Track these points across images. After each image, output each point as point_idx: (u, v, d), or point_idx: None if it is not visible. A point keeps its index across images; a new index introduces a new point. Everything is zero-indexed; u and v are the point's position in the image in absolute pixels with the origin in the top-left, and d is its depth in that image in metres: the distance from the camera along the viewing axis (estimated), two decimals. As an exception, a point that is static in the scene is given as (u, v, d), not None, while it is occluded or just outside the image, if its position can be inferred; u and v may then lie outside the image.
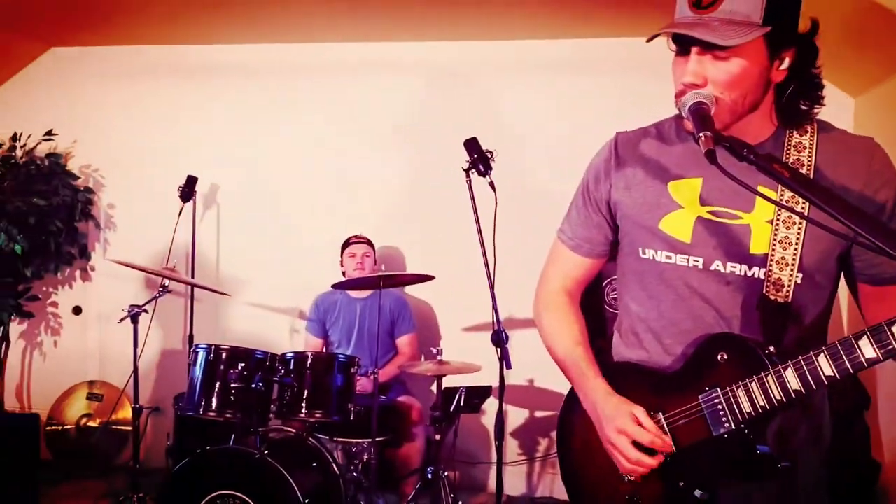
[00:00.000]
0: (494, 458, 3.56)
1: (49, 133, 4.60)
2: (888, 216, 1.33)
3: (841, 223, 1.08)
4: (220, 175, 4.68)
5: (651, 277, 1.50)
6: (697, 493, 1.38)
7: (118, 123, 4.80)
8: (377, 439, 3.28)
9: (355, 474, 3.37)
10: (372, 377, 3.31)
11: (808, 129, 1.40)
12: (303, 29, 4.36)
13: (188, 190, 4.32)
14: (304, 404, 3.14)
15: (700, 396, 1.38)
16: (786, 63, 1.32)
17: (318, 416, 3.15)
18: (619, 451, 1.42)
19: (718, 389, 1.35)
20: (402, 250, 4.57)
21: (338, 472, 3.19)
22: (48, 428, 4.58)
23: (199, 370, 3.11)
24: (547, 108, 4.39)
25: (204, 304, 4.56)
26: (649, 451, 1.40)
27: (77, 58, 4.82)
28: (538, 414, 4.39)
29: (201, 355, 3.12)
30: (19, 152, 4.60)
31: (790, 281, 1.35)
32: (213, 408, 3.06)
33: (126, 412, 4.57)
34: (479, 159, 3.13)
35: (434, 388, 3.50)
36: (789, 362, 1.25)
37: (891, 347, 1.14)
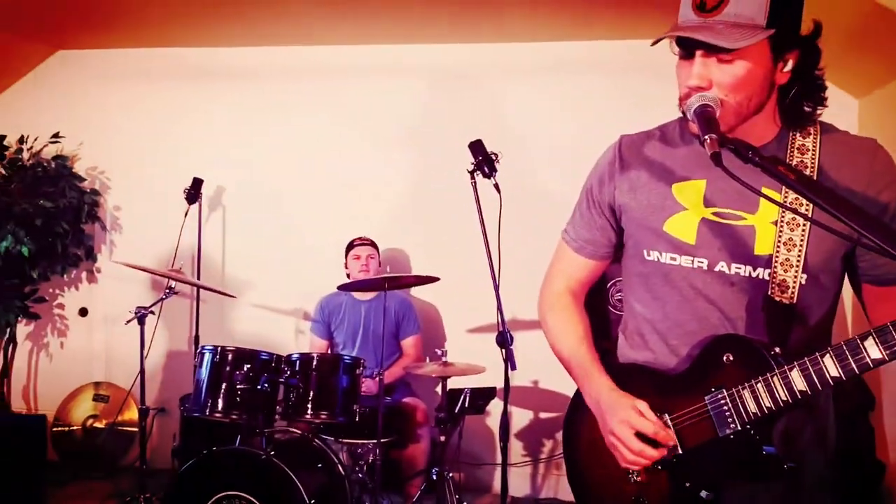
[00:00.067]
0: (499, 460, 3.58)
1: (55, 135, 4.63)
2: (891, 217, 1.34)
3: (845, 225, 1.09)
4: (226, 177, 4.69)
5: (656, 279, 1.51)
6: (703, 493, 1.38)
7: (124, 126, 4.82)
8: (382, 440, 3.29)
9: (360, 475, 3.38)
10: (377, 378, 3.32)
11: (811, 130, 1.40)
12: (308, 32, 4.38)
13: (194, 192, 4.34)
14: (309, 405, 3.14)
15: (706, 397, 1.39)
16: (789, 65, 1.33)
17: (323, 417, 3.16)
18: (621, 441, 1.43)
19: (724, 390, 1.36)
20: (407, 252, 4.58)
21: (343, 472, 3.20)
22: (54, 429, 4.60)
23: (205, 371, 3.12)
24: (551, 110, 4.39)
25: (209, 306, 4.58)
26: (652, 444, 1.41)
27: (83, 60, 4.84)
28: (542, 415, 4.40)
29: (207, 356, 3.14)
30: (26, 155, 4.62)
31: (795, 282, 1.36)
32: (220, 409, 3.08)
33: (132, 413, 4.59)
34: (483, 161, 3.14)
35: (439, 389, 3.50)
36: (795, 363, 1.26)
37: (896, 348, 1.15)
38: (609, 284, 3.30)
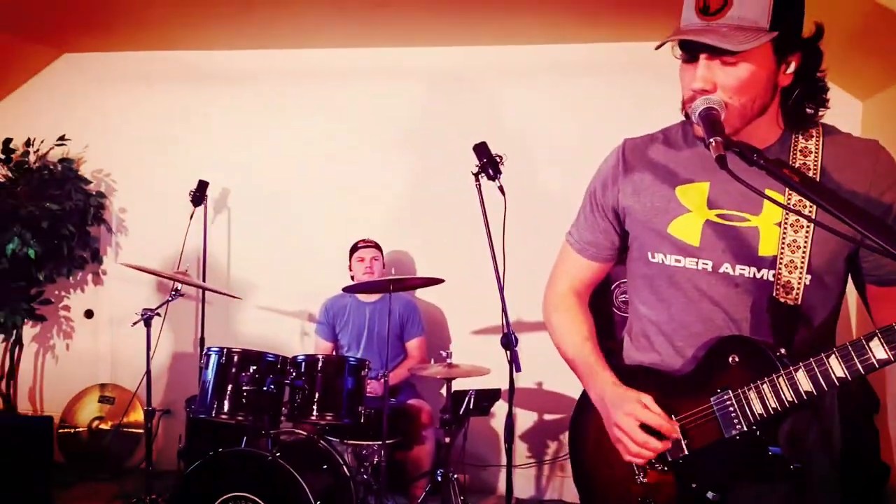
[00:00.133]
0: (504, 461, 3.58)
1: (61, 138, 4.65)
2: (894, 218, 1.35)
3: (850, 227, 1.09)
4: (231, 179, 4.71)
5: (661, 281, 1.51)
6: (710, 494, 1.39)
7: (129, 128, 4.84)
8: (387, 442, 3.30)
9: (365, 476, 3.39)
10: (382, 380, 3.33)
11: (813, 133, 1.41)
12: (313, 35, 4.39)
13: (199, 194, 4.36)
14: (315, 407, 3.16)
15: (712, 398, 1.39)
16: (792, 67, 1.34)
17: (328, 418, 3.18)
18: (625, 433, 1.43)
19: (730, 391, 1.36)
20: (412, 254, 4.59)
21: (348, 474, 3.21)
22: (60, 430, 4.61)
23: (211, 373, 3.13)
24: (551, 112, 4.40)
25: (214, 308, 4.59)
26: (657, 437, 1.41)
27: (89, 64, 4.86)
28: (547, 417, 4.40)
29: (213, 358, 3.15)
30: (32, 157, 4.64)
31: (800, 283, 1.37)
32: (226, 410, 3.09)
33: (137, 415, 4.60)
34: (488, 163, 3.15)
35: (443, 391, 3.51)
36: (800, 364, 1.26)
37: (902, 349, 1.15)
38: (613, 286, 3.30)
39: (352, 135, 4.63)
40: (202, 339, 4.30)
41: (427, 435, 3.74)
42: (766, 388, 1.30)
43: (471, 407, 3.45)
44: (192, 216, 4.36)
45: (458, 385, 3.44)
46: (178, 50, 4.73)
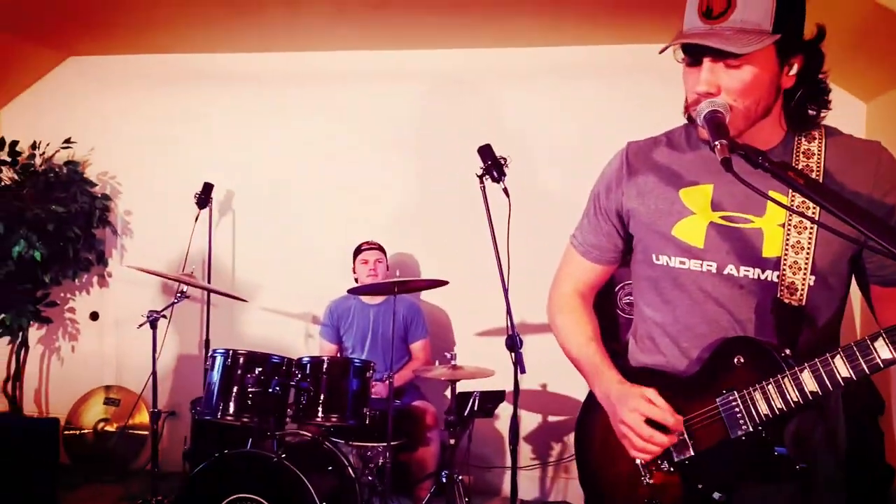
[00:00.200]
0: (508, 463, 3.58)
1: (67, 141, 4.67)
2: None
3: (854, 228, 1.10)
4: (236, 182, 4.73)
5: (666, 283, 1.52)
6: (716, 495, 1.39)
7: (134, 131, 4.86)
8: (392, 443, 3.30)
9: (370, 478, 3.39)
10: (387, 382, 3.34)
11: (816, 134, 1.42)
12: (318, 39, 4.41)
13: (204, 197, 4.37)
14: (320, 408, 3.16)
15: (717, 399, 1.40)
16: (794, 69, 1.35)
17: (333, 420, 3.19)
18: (631, 428, 1.44)
19: (735, 392, 1.37)
20: (416, 256, 4.60)
21: (353, 475, 3.22)
22: (66, 432, 4.63)
23: (216, 374, 3.14)
24: (554, 114, 4.41)
25: (219, 310, 4.60)
26: (663, 432, 1.42)
27: (94, 66, 4.88)
28: (551, 419, 4.40)
29: (219, 360, 3.16)
30: (38, 160, 4.66)
31: (804, 284, 1.37)
32: (231, 412, 3.10)
33: (142, 417, 4.62)
34: (492, 166, 3.16)
35: (448, 392, 3.52)
36: (805, 364, 1.27)
37: (907, 348, 1.16)
38: (617, 288, 3.31)
39: (355, 137, 4.64)
40: (207, 341, 4.31)
41: (432, 436, 3.75)
42: (771, 388, 1.31)
43: (475, 408, 3.46)
44: (196, 218, 4.38)
45: (462, 387, 3.45)
46: (182, 53, 4.75)
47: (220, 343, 3.84)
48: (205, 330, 4.37)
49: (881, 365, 1.18)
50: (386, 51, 4.56)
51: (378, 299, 4.08)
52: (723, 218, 1.44)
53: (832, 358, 1.23)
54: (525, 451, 4.38)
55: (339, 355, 4.12)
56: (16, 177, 4.58)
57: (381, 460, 3.40)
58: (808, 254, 1.37)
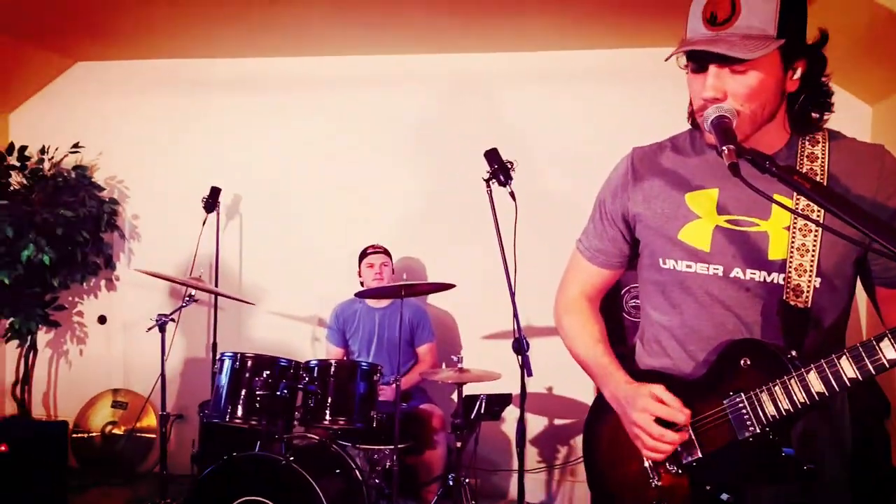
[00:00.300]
0: (515, 466, 3.59)
1: (75, 146, 4.71)
2: None
3: (859, 231, 1.11)
4: (243, 186, 4.75)
5: (672, 287, 1.53)
6: (724, 496, 1.40)
7: (142, 135, 4.89)
8: (399, 446, 3.31)
9: (377, 481, 3.40)
10: (394, 385, 3.35)
11: (819, 138, 1.44)
12: (327, 43, 4.44)
13: (212, 201, 4.40)
14: (327, 411, 3.18)
15: (724, 401, 1.41)
16: (798, 73, 1.37)
17: (341, 423, 3.20)
18: (641, 428, 1.45)
19: (742, 394, 1.38)
20: (423, 260, 4.62)
21: (360, 478, 3.22)
22: (74, 435, 4.65)
23: (224, 378, 3.16)
24: (563, 118, 4.43)
25: (226, 313, 4.62)
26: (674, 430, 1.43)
27: (102, 72, 4.92)
28: (557, 422, 4.41)
29: (227, 363, 3.18)
30: (47, 165, 4.70)
31: (809, 286, 1.38)
32: (239, 415, 3.11)
33: (150, 420, 4.64)
34: (499, 170, 3.17)
35: (455, 395, 3.53)
36: (812, 365, 1.28)
37: (912, 349, 1.17)
38: (623, 291, 3.31)
39: (363, 141, 4.66)
40: (214, 345, 4.33)
41: (439, 439, 3.75)
42: (777, 390, 1.32)
43: (482, 412, 3.47)
44: (204, 222, 4.40)
45: (469, 390, 3.46)
46: (188, 58, 4.78)
47: (228, 346, 3.85)
48: (212, 333, 4.39)
49: (887, 365, 1.19)
50: (397, 55, 4.60)
51: (384, 303, 4.10)
52: (728, 222, 1.45)
53: (838, 359, 1.24)
54: (531, 454, 4.39)
55: (346, 358, 4.13)
56: (25, 181, 4.62)
57: (388, 463, 3.41)
58: (813, 256, 1.38)
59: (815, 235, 1.39)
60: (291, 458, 2.96)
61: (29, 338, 4.69)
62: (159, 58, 4.81)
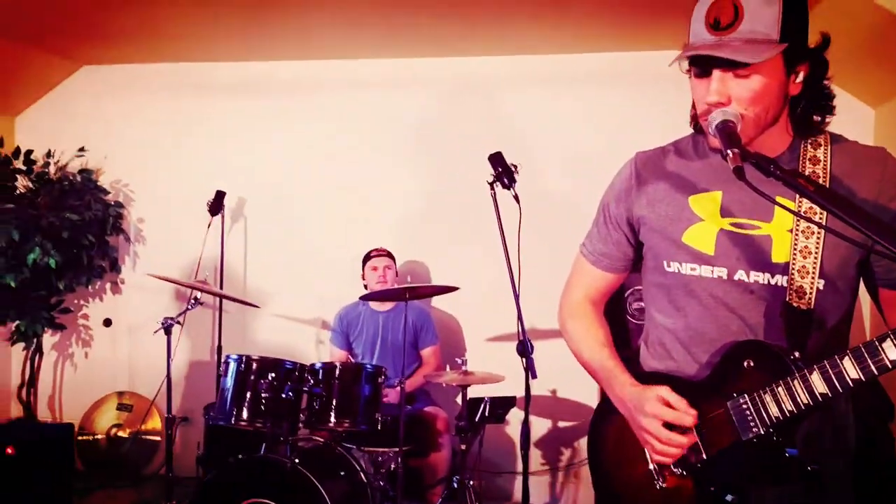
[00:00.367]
0: (519, 468, 3.59)
1: (81, 149, 4.73)
2: None
3: (862, 233, 1.12)
4: (248, 189, 4.77)
5: (677, 290, 1.54)
6: (728, 497, 1.41)
7: (147, 139, 4.91)
8: (403, 448, 3.32)
9: (382, 483, 3.40)
10: (398, 387, 3.36)
11: (821, 140, 1.45)
12: (330, 47, 4.45)
13: (217, 204, 4.41)
14: (332, 414, 3.18)
15: (728, 403, 1.42)
16: (800, 76, 1.38)
17: (346, 425, 3.20)
18: (652, 435, 1.45)
19: (746, 395, 1.39)
20: (427, 263, 4.63)
21: (365, 480, 3.23)
22: (79, 438, 4.66)
23: (230, 380, 3.17)
24: (567, 122, 4.44)
25: (231, 316, 4.64)
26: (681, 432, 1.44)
27: (108, 75, 4.94)
28: (561, 424, 4.41)
29: (232, 366, 3.19)
30: (53, 168, 4.71)
31: (812, 288, 1.39)
32: (245, 417, 3.12)
33: (155, 422, 4.65)
34: (503, 173, 3.18)
35: (459, 398, 3.53)
36: (815, 366, 1.28)
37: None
38: (627, 294, 3.32)
39: (366, 143, 4.68)
40: (219, 347, 4.34)
41: (443, 442, 3.76)
42: (781, 390, 1.33)
43: (486, 414, 3.48)
44: (209, 226, 4.42)
45: (473, 392, 3.47)
46: (194, 62, 4.80)
47: (232, 349, 3.86)
48: (217, 336, 4.40)
49: (889, 366, 1.20)
50: (401, 59, 4.61)
51: (387, 306, 4.11)
52: (732, 224, 1.46)
53: (841, 359, 1.25)
54: (535, 456, 4.40)
55: (349, 361, 4.14)
56: (31, 185, 4.63)
57: (392, 465, 3.42)
58: (815, 258, 1.39)
59: (818, 238, 1.40)
60: (297, 461, 2.97)
61: (34, 340, 4.71)
62: (163, 61, 4.83)
